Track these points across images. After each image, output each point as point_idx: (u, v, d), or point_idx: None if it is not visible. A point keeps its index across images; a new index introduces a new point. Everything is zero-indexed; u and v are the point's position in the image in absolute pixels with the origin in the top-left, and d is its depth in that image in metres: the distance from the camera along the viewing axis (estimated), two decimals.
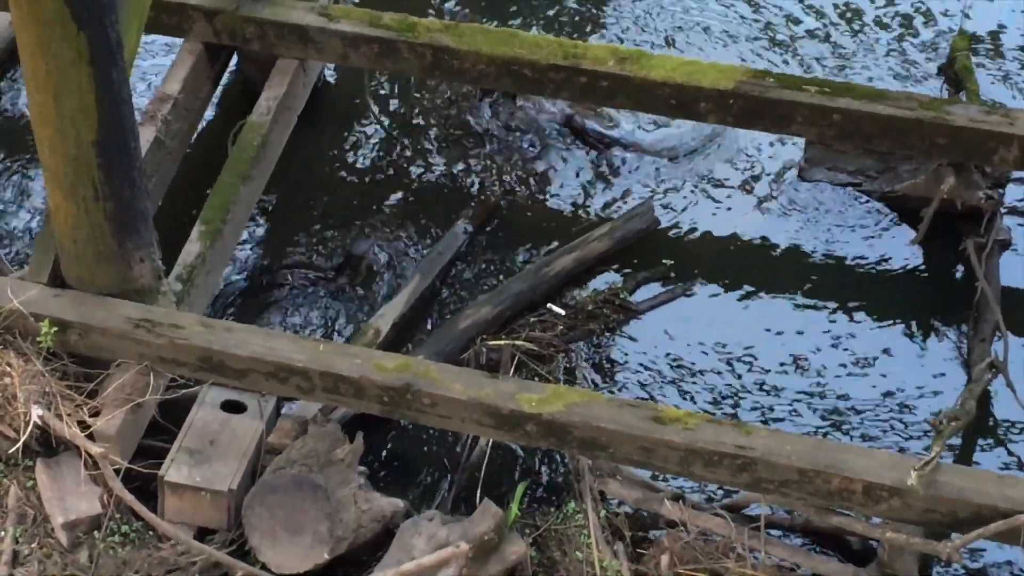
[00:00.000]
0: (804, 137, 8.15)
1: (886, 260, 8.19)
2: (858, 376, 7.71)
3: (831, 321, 7.94)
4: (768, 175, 8.59)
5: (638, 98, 7.84)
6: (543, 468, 7.33)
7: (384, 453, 7.39)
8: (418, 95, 9.00)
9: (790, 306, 8.02)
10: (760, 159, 8.68)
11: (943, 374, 7.72)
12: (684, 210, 8.41)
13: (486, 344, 7.58)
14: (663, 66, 7.80)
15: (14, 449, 6.68)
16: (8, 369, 6.73)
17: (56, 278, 7.07)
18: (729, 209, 8.44)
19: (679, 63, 7.84)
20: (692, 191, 8.51)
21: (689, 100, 7.75)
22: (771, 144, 8.72)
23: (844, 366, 7.75)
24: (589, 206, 8.44)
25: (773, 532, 6.85)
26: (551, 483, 7.26)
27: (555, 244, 8.18)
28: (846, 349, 7.81)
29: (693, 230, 8.32)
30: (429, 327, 7.88)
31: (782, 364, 7.78)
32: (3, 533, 6.57)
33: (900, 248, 8.23)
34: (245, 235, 8.16)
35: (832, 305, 8.00)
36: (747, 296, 8.07)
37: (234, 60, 8.71)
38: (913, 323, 7.92)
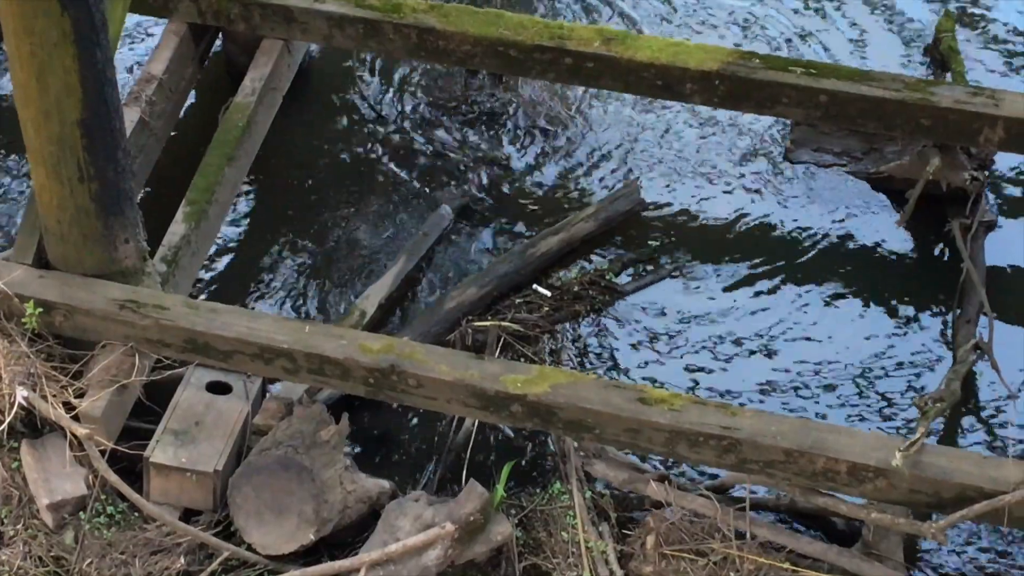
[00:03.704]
0: (790, 118, 8.15)
1: (871, 241, 8.20)
2: (843, 357, 7.71)
3: (816, 302, 7.94)
4: (753, 156, 8.58)
5: (624, 79, 7.83)
6: (529, 449, 7.33)
7: (370, 434, 7.38)
8: (403, 76, 8.98)
9: (774, 287, 8.03)
10: (745, 140, 8.67)
11: (928, 354, 7.73)
12: (670, 190, 8.41)
13: (472, 325, 7.59)
14: (648, 47, 7.79)
15: None
16: None
17: (41, 259, 7.05)
18: (714, 189, 8.43)
19: (665, 44, 7.83)
20: (678, 171, 8.51)
21: (674, 81, 7.74)
22: (755, 124, 8.72)
23: (827, 347, 7.76)
24: (574, 187, 8.44)
25: (758, 513, 6.87)
26: (537, 464, 7.26)
27: (541, 225, 8.17)
28: (830, 331, 7.82)
29: (679, 211, 8.32)
30: (414, 309, 7.87)
31: (766, 345, 7.78)
32: None
33: (886, 229, 8.24)
34: (229, 216, 8.14)
35: (817, 287, 8.00)
36: (732, 277, 8.07)
37: (219, 41, 8.68)
38: (898, 304, 7.93)
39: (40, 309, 6.87)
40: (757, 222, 8.28)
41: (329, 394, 7.20)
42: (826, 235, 8.22)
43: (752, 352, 7.75)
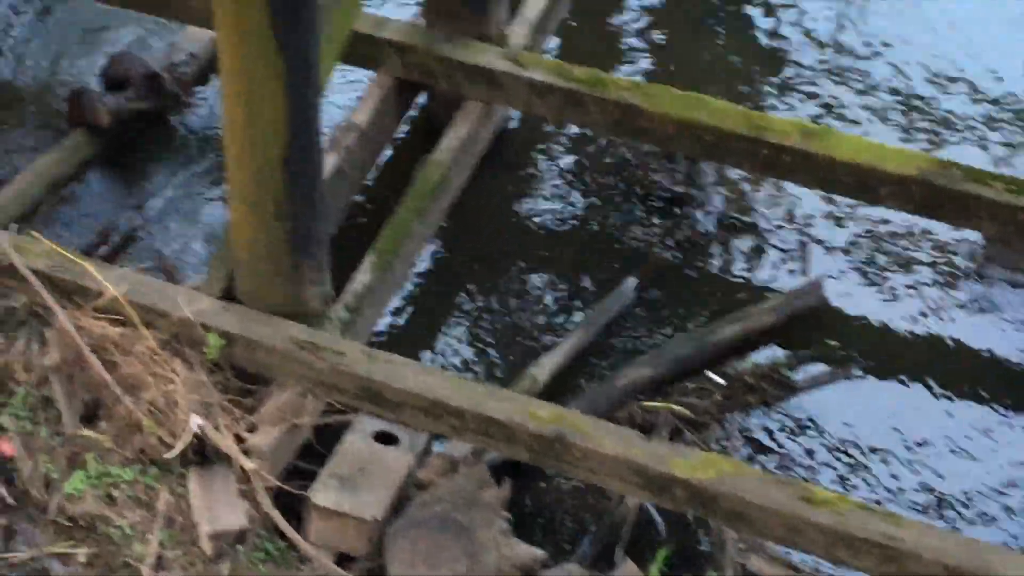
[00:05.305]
0: (985, 233, 8.05)
1: None
2: (1017, 479, 7.57)
3: (991, 421, 7.80)
4: (942, 267, 8.47)
5: (819, 176, 7.80)
6: (686, 534, 7.27)
7: (529, 501, 7.38)
8: (598, 150, 9.02)
9: (951, 400, 7.91)
10: (935, 250, 8.56)
11: None
12: (853, 292, 8.33)
13: (642, 405, 7.57)
14: (847, 146, 7.76)
15: (170, 455, 6.77)
16: (173, 377, 6.84)
17: (228, 292, 7.18)
18: (898, 297, 8.34)
19: (864, 145, 7.80)
20: (863, 274, 8.43)
21: (870, 183, 7.69)
22: (947, 234, 8.61)
23: (1004, 470, 7.61)
24: (758, 278, 8.40)
25: None
26: (693, 550, 7.20)
27: (720, 312, 8.14)
28: (1008, 453, 7.68)
29: (860, 314, 8.23)
30: (586, 382, 7.87)
31: (937, 457, 7.66)
32: (151, 537, 6.66)
33: None
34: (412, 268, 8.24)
35: (994, 404, 7.87)
36: (908, 386, 7.96)
37: (421, 97, 8.80)
38: None
39: (222, 341, 6.99)
40: (939, 334, 8.16)
41: (493, 456, 7.21)
42: (1010, 355, 8.08)
43: (922, 464, 7.63)
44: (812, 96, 9.39)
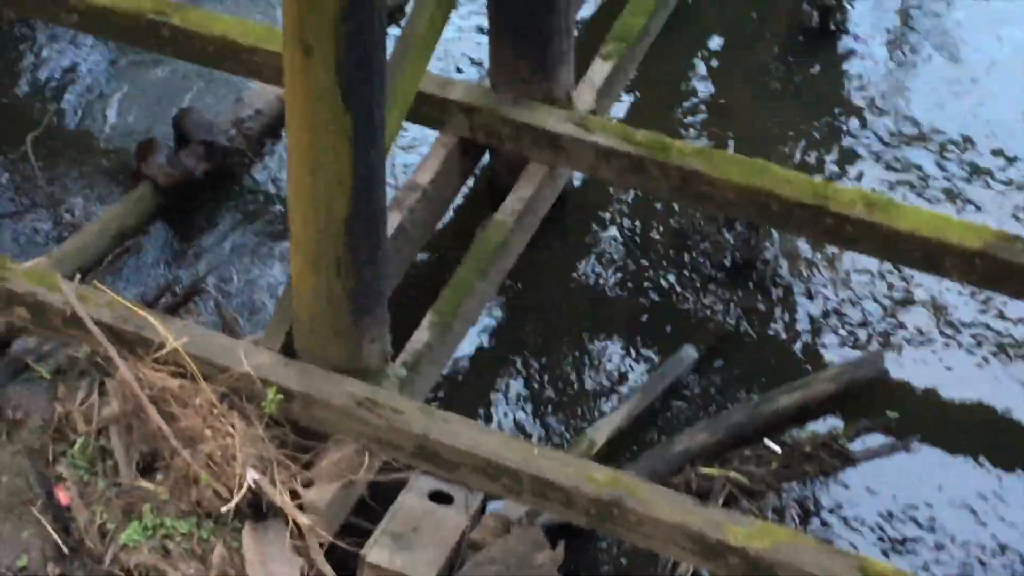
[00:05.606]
0: None
1: None
2: None
3: None
4: (1010, 347, 8.41)
5: (882, 246, 7.77)
6: None
7: (581, 563, 7.35)
8: (659, 214, 9.02)
9: (1009, 477, 7.83)
10: (1001, 323, 8.51)
11: None
12: (914, 364, 8.28)
13: (698, 471, 7.54)
14: (911, 217, 7.74)
15: (226, 509, 6.79)
16: (231, 430, 6.86)
17: (288, 347, 7.21)
18: (960, 370, 8.28)
19: (928, 216, 7.77)
20: (925, 346, 8.38)
21: (934, 255, 7.66)
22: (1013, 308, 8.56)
23: None
24: (817, 347, 8.36)
25: None
26: None
27: (778, 380, 8.10)
28: None
29: (921, 386, 8.17)
30: (643, 446, 7.85)
31: (992, 533, 7.59)
32: None
33: None
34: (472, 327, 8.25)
35: None
36: (966, 460, 7.89)
37: (486, 157, 8.84)
38: None
39: (280, 396, 7.01)
40: (1002, 409, 8.09)
41: (548, 518, 7.19)
42: None
43: (979, 542, 7.55)
44: (877, 166, 9.36)
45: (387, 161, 6.94)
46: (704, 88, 9.86)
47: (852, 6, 10.30)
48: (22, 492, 7.05)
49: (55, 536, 6.87)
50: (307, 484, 6.92)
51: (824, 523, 7.61)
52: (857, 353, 8.30)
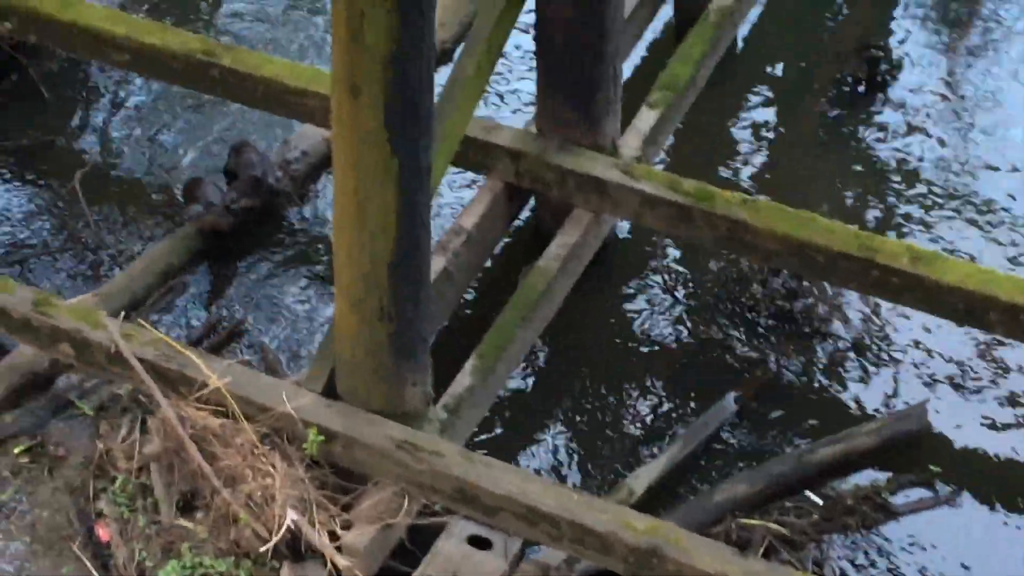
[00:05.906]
0: None
1: None
2: None
3: None
4: None
5: (927, 299, 7.74)
6: None
7: None
8: (703, 263, 9.00)
9: None
10: None
11: None
12: (959, 419, 8.22)
13: (738, 521, 7.50)
14: (957, 271, 7.70)
15: (264, 549, 6.79)
16: (271, 470, 6.87)
17: (330, 388, 7.21)
18: (1004, 426, 8.22)
19: (974, 270, 7.74)
20: (970, 401, 8.32)
21: (979, 309, 7.62)
22: None
23: None
24: (861, 399, 8.32)
25: None
26: None
27: (821, 432, 8.07)
28: None
29: (964, 441, 8.12)
30: (682, 495, 7.82)
31: None
32: None
33: None
34: (514, 373, 8.24)
35: None
36: (1008, 516, 7.83)
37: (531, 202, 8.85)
38: None
39: (321, 437, 7.02)
40: None
41: (586, 566, 7.16)
42: None
43: None
44: (924, 218, 9.33)
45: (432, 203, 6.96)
46: (751, 137, 9.86)
47: (902, 62, 10.30)
48: (62, 528, 7.08)
49: (94, 573, 6.88)
50: (346, 526, 6.92)
51: (863, 575, 7.56)
52: (901, 404, 8.26)
